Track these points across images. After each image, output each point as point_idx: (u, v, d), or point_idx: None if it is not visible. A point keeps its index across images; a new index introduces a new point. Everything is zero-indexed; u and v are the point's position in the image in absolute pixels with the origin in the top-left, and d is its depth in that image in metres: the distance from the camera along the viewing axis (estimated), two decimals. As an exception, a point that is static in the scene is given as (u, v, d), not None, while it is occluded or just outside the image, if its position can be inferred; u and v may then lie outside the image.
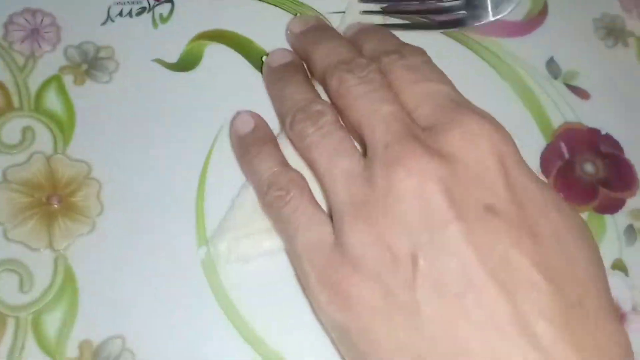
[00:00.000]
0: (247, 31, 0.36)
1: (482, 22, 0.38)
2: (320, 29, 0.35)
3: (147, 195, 0.32)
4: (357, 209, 0.26)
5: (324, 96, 0.32)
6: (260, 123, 0.32)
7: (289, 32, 0.36)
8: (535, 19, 0.39)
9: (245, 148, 0.31)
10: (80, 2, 0.36)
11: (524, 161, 0.27)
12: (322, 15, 0.37)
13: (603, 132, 0.36)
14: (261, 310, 0.30)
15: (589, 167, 0.35)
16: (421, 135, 0.26)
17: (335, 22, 0.37)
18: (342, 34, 0.35)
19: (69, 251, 0.30)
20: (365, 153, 0.28)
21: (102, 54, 0.35)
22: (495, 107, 0.35)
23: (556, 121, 0.36)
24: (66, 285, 0.29)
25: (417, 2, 0.38)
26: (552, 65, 0.38)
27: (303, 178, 0.29)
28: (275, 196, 0.29)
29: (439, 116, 0.27)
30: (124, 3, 0.36)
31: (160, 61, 0.35)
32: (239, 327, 0.30)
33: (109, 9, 0.36)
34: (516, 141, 0.34)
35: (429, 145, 0.26)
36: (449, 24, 0.38)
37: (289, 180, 0.29)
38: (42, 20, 0.35)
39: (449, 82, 0.29)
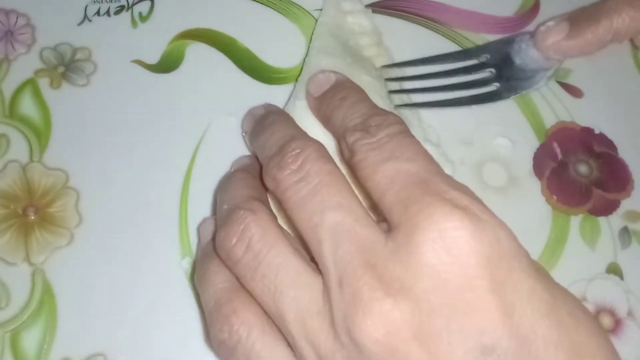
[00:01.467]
0: (230, 29, 0.35)
1: (517, 94, 0.35)
2: (268, 112, 0.30)
3: (128, 205, 0.30)
4: None
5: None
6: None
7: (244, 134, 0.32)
8: (527, 14, 0.38)
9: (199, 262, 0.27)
10: (56, 2, 0.34)
11: (524, 258, 0.21)
12: (307, 11, 0.36)
13: (597, 131, 0.35)
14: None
15: (582, 168, 0.34)
16: (383, 253, 0.21)
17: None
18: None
19: (46, 265, 0.29)
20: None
21: (79, 55, 0.33)
22: (486, 105, 0.35)
23: (549, 120, 0.35)
24: (45, 300, 0.28)
25: (445, 77, 0.35)
26: (544, 63, 0.37)
27: (247, 306, 0.24)
28: (217, 341, 0.24)
29: (403, 210, 0.21)
30: (102, 1, 0.35)
31: (140, 62, 0.34)
32: (225, 339, 0.29)
33: (85, 7, 0.35)
34: (509, 142, 0.34)
35: (395, 270, 0.20)
36: (482, 98, 0.35)
37: (231, 313, 0.24)
38: (16, 21, 0.34)
39: (418, 157, 0.23)
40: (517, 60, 0.35)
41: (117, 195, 0.31)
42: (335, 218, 0.22)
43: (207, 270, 0.25)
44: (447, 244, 0.20)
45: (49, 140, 0.31)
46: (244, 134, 0.32)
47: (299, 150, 0.24)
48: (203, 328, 0.29)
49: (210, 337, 0.24)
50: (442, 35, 0.37)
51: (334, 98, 0.28)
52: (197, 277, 0.26)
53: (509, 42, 0.36)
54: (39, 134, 0.31)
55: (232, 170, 0.30)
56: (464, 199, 0.21)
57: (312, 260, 0.23)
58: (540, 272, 0.21)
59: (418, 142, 0.24)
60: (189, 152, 0.32)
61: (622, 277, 0.32)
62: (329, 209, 0.22)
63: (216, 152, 0.32)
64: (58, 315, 0.28)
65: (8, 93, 0.32)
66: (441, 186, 0.22)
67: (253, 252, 0.23)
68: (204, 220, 0.29)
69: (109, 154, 0.31)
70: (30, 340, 0.28)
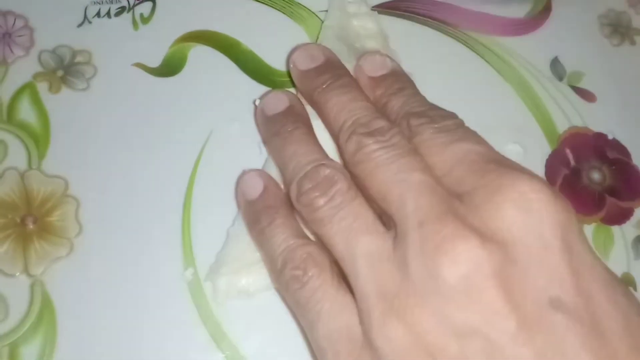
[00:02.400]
0: (234, 31, 0.34)
1: None
2: (331, 69, 0.30)
3: (129, 214, 0.30)
4: (388, 302, 0.22)
5: (330, 152, 0.28)
6: (270, 185, 0.28)
7: (292, 65, 0.31)
8: (539, 16, 0.37)
9: (255, 216, 0.28)
10: (55, 3, 0.33)
11: (583, 232, 0.22)
12: (313, 13, 0.35)
13: (610, 137, 0.34)
14: (250, 335, 0.28)
15: (595, 175, 0.33)
16: (461, 209, 0.22)
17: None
18: (359, 72, 0.30)
19: (46, 276, 0.28)
20: (388, 225, 0.24)
21: (78, 58, 0.32)
22: (497, 111, 0.34)
23: (561, 126, 0.34)
24: (44, 313, 0.28)
25: None
26: (556, 66, 0.36)
27: (322, 251, 0.25)
28: (291, 276, 0.25)
29: (479, 178, 0.23)
30: (102, 3, 0.34)
31: (141, 65, 0.33)
32: (227, 352, 0.28)
33: (85, 9, 0.34)
34: (520, 148, 0.33)
35: (474, 222, 0.22)
36: None
37: (306, 256, 0.25)
38: (14, 23, 0.33)
39: (485, 143, 0.25)
40: None
41: (118, 204, 0.30)
42: (420, 177, 0.23)
43: (274, 220, 0.27)
44: (527, 205, 0.21)
45: (48, 147, 0.30)
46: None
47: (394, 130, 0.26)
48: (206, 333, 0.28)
49: (282, 274, 0.25)
50: (451, 37, 0.36)
51: (392, 87, 0.29)
52: (258, 228, 0.27)
53: None
54: (38, 140, 0.30)
55: (289, 128, 0.29)
56: (538, 176, 0.23)
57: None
58: (596, 253, 0.22)
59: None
60: (192, 158, 0.31)
61: (635, 288, 0.31)
62: (416, 169, 0.24)
63: (220, 158, 0.31)
64: (57, 328, 0.27)
65: (6, 98, 0.31)
66: (514, 164, 0.24)
67: (335, 202, 0.25)
68: (247, 174, 0.29)
69: (110, 161, 0.30)
70: (29, 353, 0.27)
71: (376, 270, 0.23)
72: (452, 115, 0.27)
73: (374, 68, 0.30)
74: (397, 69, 0.30)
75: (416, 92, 0.29)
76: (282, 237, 0.26)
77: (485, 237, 0.21)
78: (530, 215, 0.21)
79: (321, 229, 0.25)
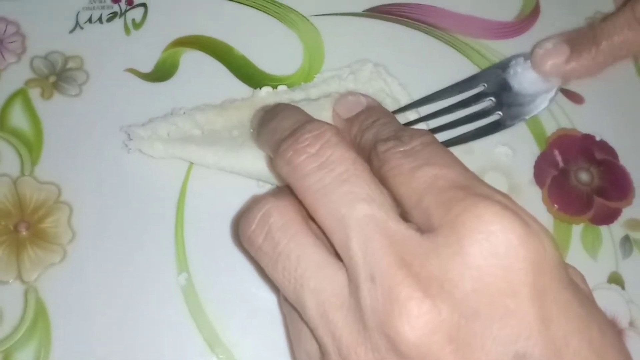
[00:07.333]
0: (227, 36, 0.35)
1: (520, 120, 0.34)
2: (279, 103, 0.29)
3: (122, 219, 0.30)
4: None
5: None
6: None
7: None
8: (527, 19, 0.37)
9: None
10: (47, 9, 0.34)
11: (564, 270, 0.20)
12: (305, 18, 0.35)
13: (598, 138, 0.35)
14: (244, 339, 0.28)
15: (583, 176, 0.34)
16: (419, 254, 0.20)
17: (318, 25, 0.35)
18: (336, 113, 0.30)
19: (39, 282, 0.28)
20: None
21: (70, 64, 0.33)
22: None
23: (550, 127, 0.35)
24: (38, 319, 0.28)
25: (446, 114, 0.33)
26: (545, 69, 0.36)
27: None
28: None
29: (445, 212, 0.20)
30: (94, 8, 0.34)
31: (133, 71, 0.33)
32: (222, 356, 0.28)
33: (77, 15, 0.34)
34: (509, 150, 0.34)
35: (432, 271, 0.19)
36: (486, 130, 0.33)
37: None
38: (5, 29, 0.33)
39: (455, 164, 0.22)
40: (515, 85, 0.34)
41: (111, 210, 0.30)
42: (366, 210, 0.21)
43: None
44: (494, 246, 0.19)
45: (41, 153, 0.30)
46: (251, 131, 0.31)
47: (317, 132, 0.23)
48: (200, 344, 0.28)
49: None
50: (441, 41, 0.36)
51: (366, 121, 0.27)
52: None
53: (503, 67, 0.35)
54: (30, 146, 0.31)
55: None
56: (510, 203, 0.20)
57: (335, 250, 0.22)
58: (574, 285, 0.20)
59: (451, 152, 0.23)
60: (185, 163, 0.31)
61: (623, 287, 0.32)
62: (359, 200, 0.21)
63: (212, 163, 0.31)
64: (52, 335, 0.28)
65: (-2, 104, 0.31)
66: (485, 189, 0.21)
67: (273, 241, 0.22)
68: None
69: (102, 167, 0.31)
70: (24, 360, 0.27)
71: (330, 319, 0.21)
72: (421, 134, 0.24)
73: (348, 109, 0.29)
74: (372, 104, 0.29)
75: (389, 121, 0.27)
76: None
77: (442, 293, 0.19)
78: (497, 259, 0.19)
79: (268, 274, 0.23)
